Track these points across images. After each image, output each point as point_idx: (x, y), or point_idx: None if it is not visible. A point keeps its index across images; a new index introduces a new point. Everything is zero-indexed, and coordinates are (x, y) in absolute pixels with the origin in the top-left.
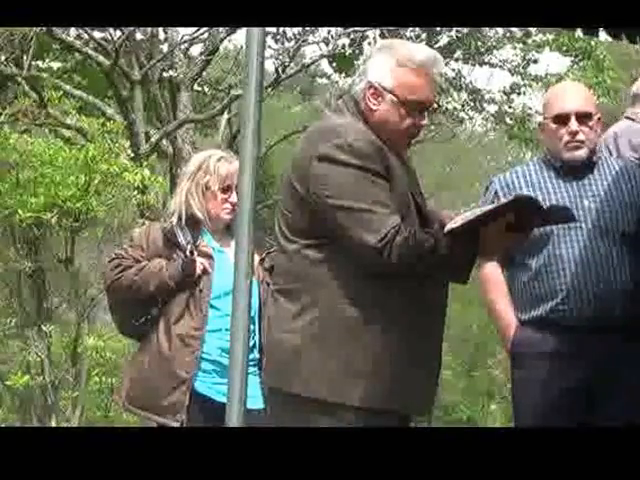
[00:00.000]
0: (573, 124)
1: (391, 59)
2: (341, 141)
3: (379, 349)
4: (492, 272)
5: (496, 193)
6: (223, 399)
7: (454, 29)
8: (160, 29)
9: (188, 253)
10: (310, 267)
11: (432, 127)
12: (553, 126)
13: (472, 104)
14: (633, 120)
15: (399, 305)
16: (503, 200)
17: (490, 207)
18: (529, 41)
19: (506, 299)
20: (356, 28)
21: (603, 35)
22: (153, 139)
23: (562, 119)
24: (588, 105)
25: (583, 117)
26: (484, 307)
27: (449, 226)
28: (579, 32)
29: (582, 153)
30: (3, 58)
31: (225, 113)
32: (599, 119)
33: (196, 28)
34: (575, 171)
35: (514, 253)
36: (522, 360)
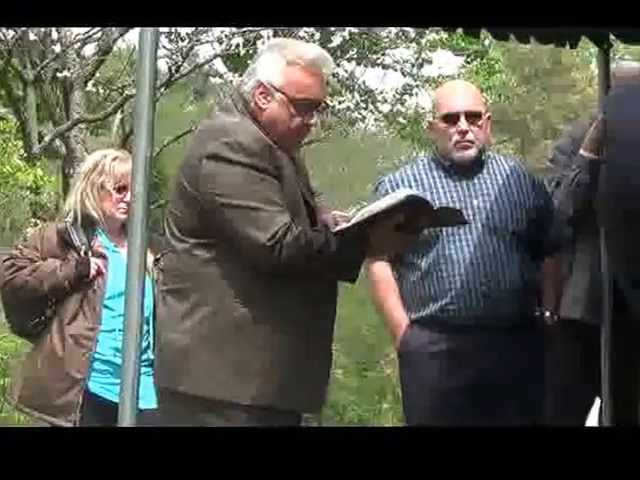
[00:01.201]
0: (462, 124)
1: (281, 58)
2: (230, 140)
3: (269, 348)
4: (381, 272)
5: (386, 192)
6: (116, 399)
7: (347, 29)
8: (53, 29)
9: (82, 254)
10: (199, 267)
11: (325, 127)
12: (443, 126)
13: (365, 104)
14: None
15: (289, 304)
16: (394, 200)
17: (381, 207)
18: (423, 41)
19: (396, 298)
20: (250, 28)
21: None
22: (46, 139)
23: (451, 119)
24: (477, 105)
25: (472, 117)
26: (375, 307)
27: (339, 226)
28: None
29: (471, 153)
30: None
31: (118, 113)
32: (489, 118)
33: (89, 28)
34: (465, 170)
35: (404, 252)
36: (412, 359)
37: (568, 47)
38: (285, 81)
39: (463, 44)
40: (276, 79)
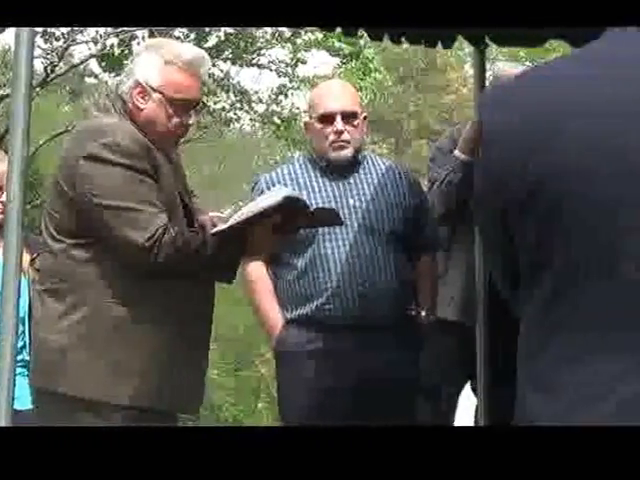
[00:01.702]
0: (338, 124)
1: (158, 58)
2: (108, 140)
3: (146, 348)
4: (257, 271)
5: (262, 192)
6: None
7: (222, 29)
8: None
9: None
10: (76, 267)
11: (200, 127)
12: (319, 126)
13: (240, 104)
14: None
15: (166, 304)
16: (272, 201)
17: (258, 209)
18: (298, 41)
19: (271, 298)
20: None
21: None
22: None
23: (327, 119)
24: (353, 105)
25: (348, 117)
26: (250, 306)
27: (217, 227)
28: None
29: (347, 153)
30: None
31: None
32: (365, 118)
33: None
34: (341, 170)
35: (280, 252)
36: (288, 359)
37: (441, 47)
38: (163, 81)
39: (338, 44)
40: (154, 79)
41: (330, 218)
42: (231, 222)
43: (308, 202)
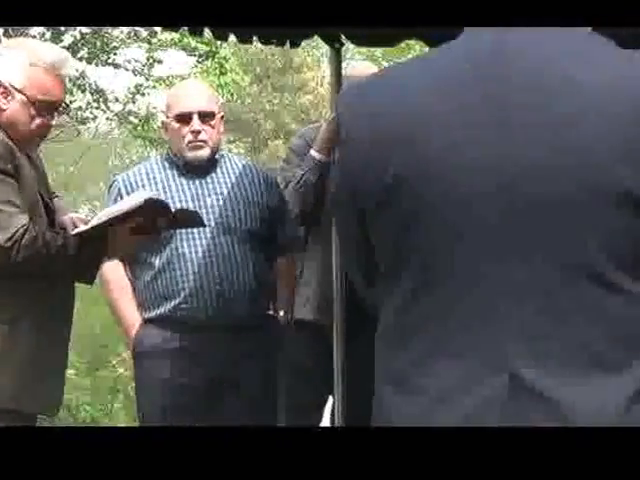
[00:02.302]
0: (195, 123)
1: (21, 58)
2: None
3: (7, 349)
4: (114, 271)
5: (119, 192)
6: None
7: (78, 29)
8: None
9: None
10: None
11: (57, 127)
12: (176, 125)
13: (97, 104)
14: None
15: (27, 304)
16: (133, 203)
17: (120, 210)
18: (154, 40)
19: (129, 297)
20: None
21: (231, 37)
22: None
23: (184, 118)
24: (210, 104)
25: (205, 116)
26: (108, 306)
27: (78, 228)
28: (207, 33)
29: (204, 152)
30: None
31: None
32: (222, 118)
33: None
34: (198, 170)
35: (138, 252)
36: (145, 359)
37: (289, 47)
38: (27, 82)
39: (194, 44)
40: (17, 80)
41: (191, 219)
42: (92, 223)
43: (168, 203)
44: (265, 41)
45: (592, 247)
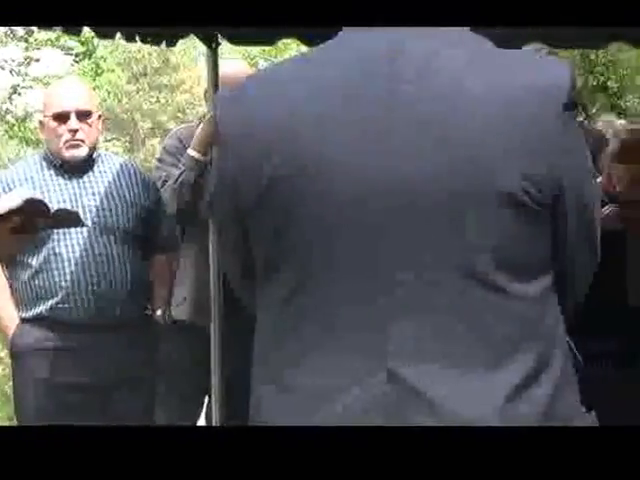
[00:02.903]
0: (73, 122)
1: None
2: None
3: None
4: None
5: None
6: None
7: None
8: None
9: None
10: None
11: None
12: (53, 124)
13: None
14: None
15: None
16: (13, 203)
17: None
18: (31, 39)
19: (6, 297)
20: None
21: (118, 35)
22: None
23: (62, 117)
24: (88, 103)
25: (83, 115)
26: None
27: None
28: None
29: (82, 151)
30: None
31: None
32: (99, 117)
33: None
34: (75, 169)
35: (16, 251)
36: (22, 358)
37: (165, 46)
38: None
39: (70, 43)
40: None
41: (70, 219)
42: None
43: (48, 204)
44: (142, 40)
45: (474, 248)
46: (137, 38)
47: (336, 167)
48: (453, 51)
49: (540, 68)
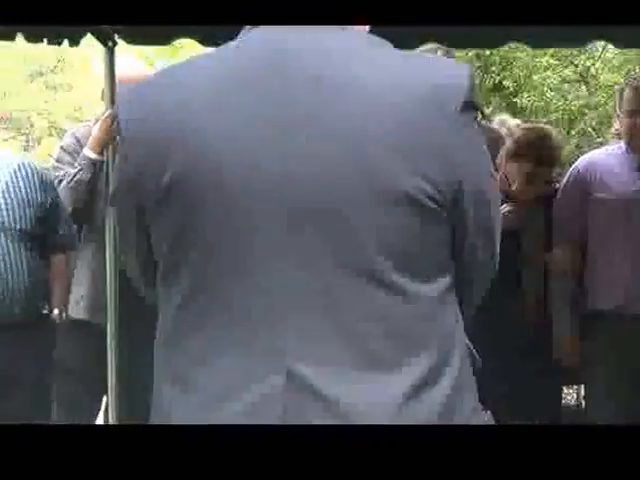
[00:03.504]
0: None
1: None
2: None
3: None
4: None
5: None
6: None
7: None
8: None
9: None
10: None
11: None
12: None
13: None
14: None
15: None
16: None
17: None
18: None
19: None
20: None
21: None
22: None
23: None
24: None
25: None
26: None
27: None
28: None
29: None
30: None
31: None
32: None
33: None
34: None
35: None
36: None
37: (63, 45)
38: None
39: None
40: None
41: None
42: None
43: None
44: (42, 39)
45: (370, 247)
46: (37, 38)
47: (234, 169)
48: (350, 52)
49: (438, 69)
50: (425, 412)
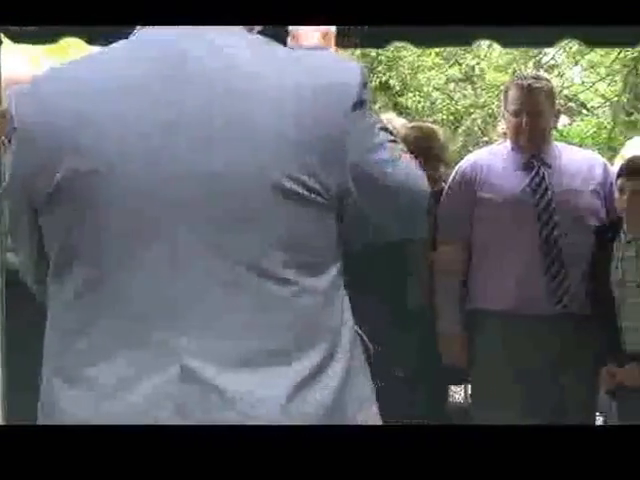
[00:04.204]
0: None
1: None
2: None
3: None
4: None
5: None
6: None
7: None
8: None
9: None
10: None
11: None
12: None
13: None
14: None
15: None
16: None
17: None
18: None
19: None
20: None
21: None
22: None
23: None
24: None
25: None
26: None
27: None
28: None
29: None
30: None
31: None
32: None
33: None
34: None
35: None
36: None
37: None
38: None
39: None
40: None
41: None
42: None
43: None
44: None
45: (261, 242)
46: None
47: (125, 167)
48: (241, 50)
49: (331, 66)
50: (317, 401)
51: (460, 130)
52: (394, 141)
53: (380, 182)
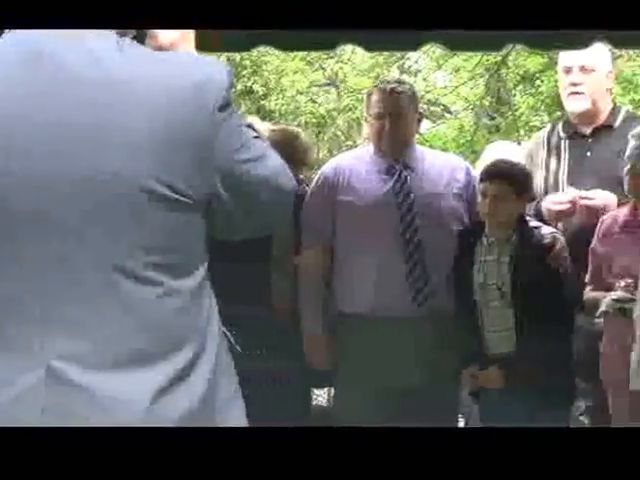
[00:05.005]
0: None
1: None
2: None
3: None
4: None
5: None
6: None
7: None
8: None
9: None
10: None
11: None
12: None
13: None
14: None
15: None
16: None
17: None
18: None
19: None
20: None
21: None
22: None
23: None
24: None
25: None
26: None
27: None
28: None
29: None
30: None
31: None
32: None
33: None
34: None
35: None
36: None
37: None
38: None
39: None
40: None
41: None
42: None
43: None
44: None
45: (127, 245)
46: None
47: (9, 164)
48: (108, 53)
49: (198, 67)
50: (186, 400)
51: (325, 135)
52: (258, 137)
53: (245, 180)
